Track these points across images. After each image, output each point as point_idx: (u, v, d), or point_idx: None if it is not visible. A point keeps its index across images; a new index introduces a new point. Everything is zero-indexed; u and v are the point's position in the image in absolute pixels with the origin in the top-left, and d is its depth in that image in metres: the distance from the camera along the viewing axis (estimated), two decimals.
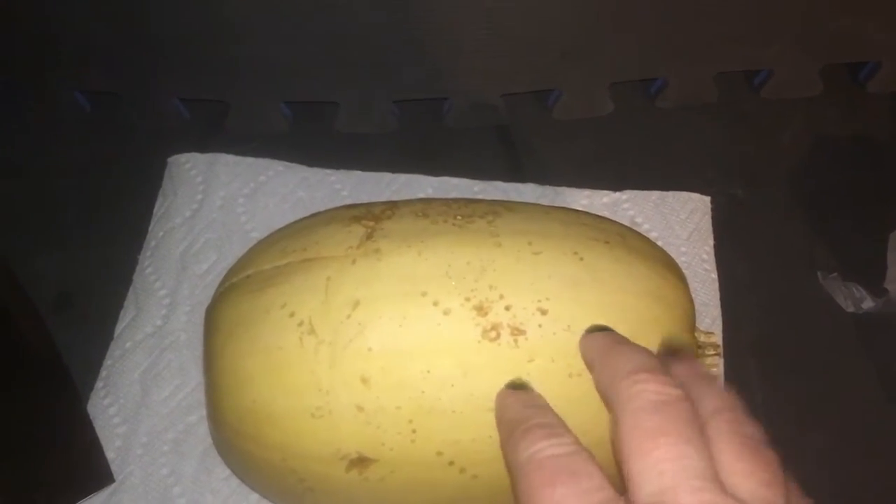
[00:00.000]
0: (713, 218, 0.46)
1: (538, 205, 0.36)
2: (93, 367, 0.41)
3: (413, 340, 0.30)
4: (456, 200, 0.35)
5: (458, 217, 0.33)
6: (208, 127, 0.50)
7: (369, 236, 0.32)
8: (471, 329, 0.30)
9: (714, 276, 0.44)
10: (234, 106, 0.48)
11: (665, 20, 0.45)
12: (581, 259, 0.31)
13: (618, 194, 0.47)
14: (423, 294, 0.30)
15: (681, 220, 0.46)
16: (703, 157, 0.49)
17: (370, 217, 0.33)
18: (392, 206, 0.34)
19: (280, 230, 0.36)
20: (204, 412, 0.39)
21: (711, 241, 0.45)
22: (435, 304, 0.30)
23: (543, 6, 0.43)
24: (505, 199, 0.47)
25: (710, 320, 0.43)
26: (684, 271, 0.36)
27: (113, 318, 0.43)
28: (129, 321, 0.42)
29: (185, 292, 0.43)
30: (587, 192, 0.47)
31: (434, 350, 0.29)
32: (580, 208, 0.46)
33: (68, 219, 0.47)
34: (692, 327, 0.34)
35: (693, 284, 0.43)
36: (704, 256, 0.45)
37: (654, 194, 0.46)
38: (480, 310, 0.30)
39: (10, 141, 0.50)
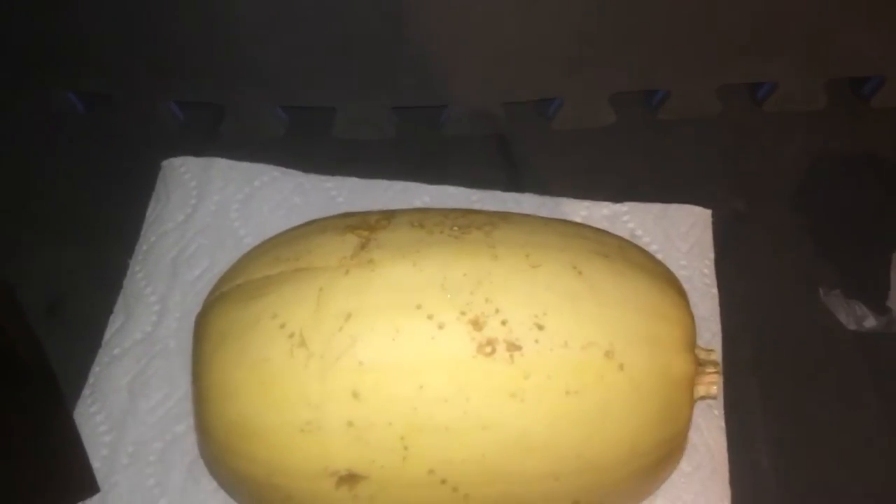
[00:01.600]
0: (714, 232, 0.45)
1: (536, 216, 0.35)
2: (81, 374, 0.41)
3: (406, 355, 0.29)
4: (453, 211, 0.34)
5: (455, 228, 0.32)
6: (203, 130, 0.49)
7: (363, 246, 0.31)
8: (466, 344, 0.29)
9: (714, 290, 0.43)
10: (230, 110, 0.47)
11: (668, 32, 0.45)
12: (580, 273, 0.31)
13: (618, 206, 0.46)
14: (418, 307, 0.29)
15: (681, 234, 0.45)
16: (704, 170, 0.49)
17: (365, 226, 0.32)
18: (388, 216, 0.33)
19: (273, 238, 0.35)
20: (192, 422, 0.38)
21: (712, 255, 0.45)
22: (429, 317, 0.29)
23: (546, 15, 0.43)
24: (503, 209, 0.46)
25: (710, 335, 0.42)
26: (684, 285, 0.35)
27: (103, 324, 0.42)
28: (119, 327, 0.42)
29: (176, 299, 0.42)
30: (587, 203, 0.46)
31: (428, 365, 0.29)
32: (579, 220, 0.46)
33: (59, 221, 0.46)
34: (692, 344, 0.33)
35: (693, 298, 0.43)
36: (705, 271, 0.44)
37: (655, 207, 0.46)
38: (476, 324, 0.29)
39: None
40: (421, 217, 0.33)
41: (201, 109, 0.49)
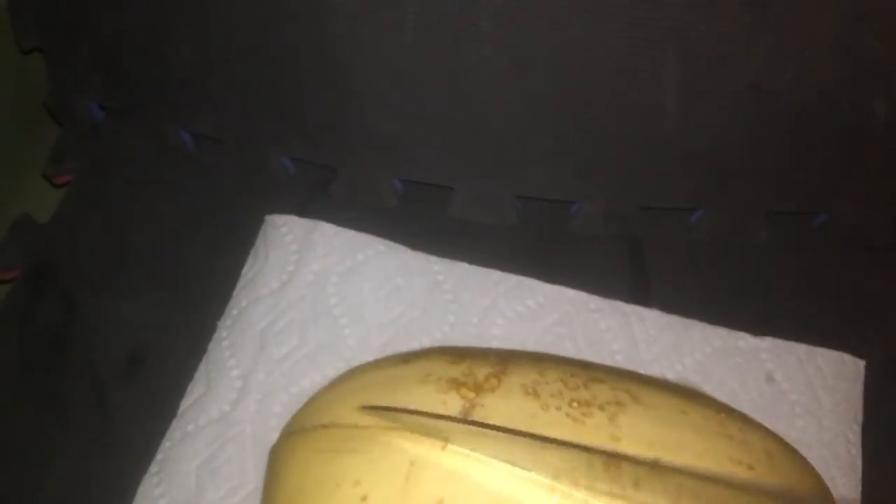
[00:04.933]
0: (865, 388, 0.41)
1: (672, 395, 0.31)
2: (152, 442, 0.40)
3: None
4: (574, 375, 0.31)
5: (575, 404, 0.29)
6: (312, 187, 0.48)
7: (467, 413, 0.29)
8: None
9: (858, 462, 0.40)
10: (344, 172, 0.46)
11: (843, 149, 0.42)
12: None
13: (757, 340, 0.42)
14: None
15: (828, 387, 0.41)
16: (864, 309, 0.44)
17: (472, 384, 0.30)
18: (499, 372, 0.30)
19: (368, 369, 0.33)
20: None
21: (860, 418, 0.41)
22: None
23: (703, 120, 0.40)
24: (624, 324, 0.44)
25: None
26: (823, 452, 0.32)
27: (182, 388, 0.41)
28: (196, 399, 0.40)
29: (260, 377, 0.41)
30: (722, 331, 0.43)
31: None
32: (710, 350, 0.43)
33: (151, 267, 0.46)
34: None
35: (831, 471, 0.39)
36: (850, 436, 0.40)
37: (800, 348, 0.42)
38: None
39: (102, 173, 0.49)
40: (536, 379, 0.30)
41: (313, 165, 0.48)
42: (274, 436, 0.39)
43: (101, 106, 0.49)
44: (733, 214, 0.45)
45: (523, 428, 0.28)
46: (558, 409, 0.29)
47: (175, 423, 0.40)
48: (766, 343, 0.43)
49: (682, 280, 0.46)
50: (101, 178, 0.49)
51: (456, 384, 0.30)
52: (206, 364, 0.42)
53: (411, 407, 0.29)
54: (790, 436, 0.33)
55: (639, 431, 0.28)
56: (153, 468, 0.39)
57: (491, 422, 0.28)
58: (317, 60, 0.41)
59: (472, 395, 0.29)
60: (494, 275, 0.45)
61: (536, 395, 0.29)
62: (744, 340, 0.43)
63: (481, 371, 0.30)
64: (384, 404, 0.29)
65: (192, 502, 0.38)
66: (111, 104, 0.48)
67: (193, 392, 0.41)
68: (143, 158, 0.49)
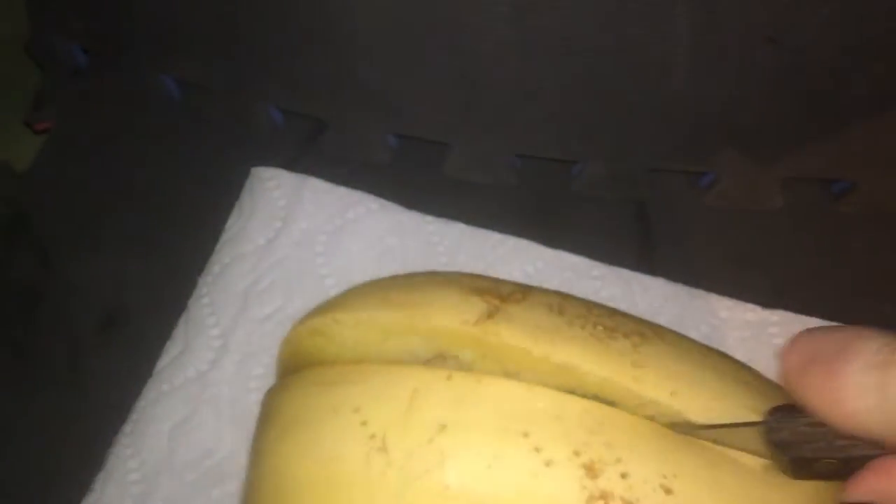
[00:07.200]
0: None
1: (691, 340, 0.31)
2: (128, 402, 0.39)
3: (501, 487, 0.26)
4: (597, 306, 0.31)
5: (600, 327, 0.29)
6: (302, 138, 0.47)
7: (491, 315, 0.28)
8: (574, 491, 0.25)
9: None
10: (334, 126, 0.45)
11: (868, 112, 0.40)
12: None
13: (767, 313, 0.41)
14: (525, 435, 0.26)
15: None
16: (885, 282, 0.43)
17: (495, 293, 0.29)
18: (523, 290, 0.30)
19: (383, 280, 0.33)
20: (229, 487, 0.36)
21: None
22: (537, 449, 0.26)
23: (716, 77, 0.39)
24: (626, 292, 0.43)
25: None
26: None
27: (161, 347, 0.40)
28: (173, 358, 0.39)
29: (240, 337, 0.40)
30: (729, 302, 0.42)
31: None
32: (717, 322, 0.42)
33: (131, 221, 0.45)
34: None
35: None
36: None
37: (814, 323, 0.41)
38: (590, 470, 0.26)
39: (84, 119, 0.48)
40: (561, 302, 0.30)
41: (304, 117, 0.47)
42: (253, 398, 0.38)
43: (84, 49, 0.48)
44: (747, 179, 0.44)
45: (545, 339, 0.27)
46: (583, 327, 0.28)
47: (150, 383, 0.39)
48: (777, 316, 0.41)
49: (689, 247, 0.44)
50: (82, 125, 0.47)
51: (480, 291, 0.29)
52: (186, 322, 0.41)
53: (433, 304, 0.29)
54: None
55: (661, 362, 0.28)
56: (126, 428, 0.38)
57: (514, 325, 0.28)
58: (307, 5, 0.40)
59: (496, 301, 0.29)
60: (492, 236, 0.43)
61: (561, 313, 0.29)
62: (753, 312, 0.41)
63: (505, 287, 0.30)
64: (404, 301, 0.29)
65: (162, 464, 0.37)
66: (94, 47, 0.47)
67: (171, 351, 0.40)
68: (127, 105, 0.48)
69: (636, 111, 0.41)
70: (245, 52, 0.42)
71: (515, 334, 0.28)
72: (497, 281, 0.31)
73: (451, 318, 0.28)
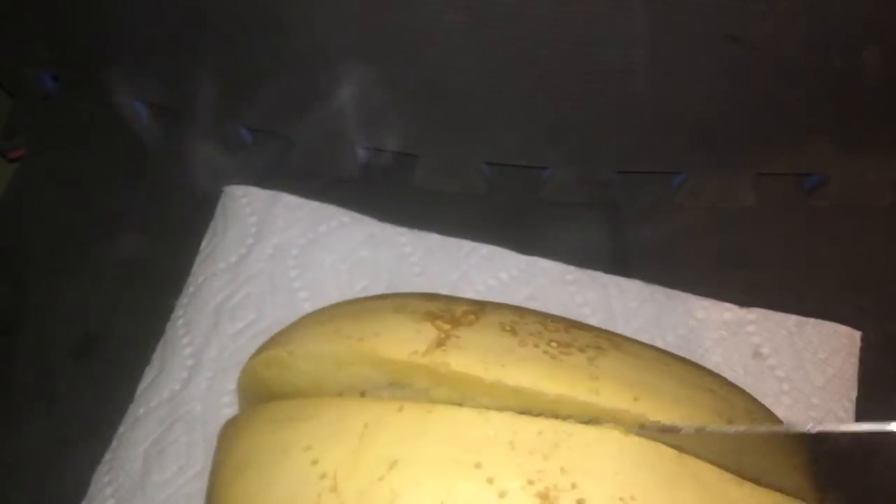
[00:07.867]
0: (861, 362, 0.40)
1: (654, 350, 0.31)
2: (108, 429, 0.40)
3: None
4: (554, 320, 0.31)
5: (554, 343, 0.29)
6: (273, 156, 0.47)
7: (441, 343, 0.28)
8: None
9: None
10: (300, 143, 0.46)
11: (834, 104, 0.40)
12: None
13: (743, 312, 0.41)
14: (477, 466, 0.26)
15: (818, 360, 0.40)
16: (860, 277, 0.43)
17: (447, 318, 0.29)
18: (477, 310, 0.30)
19: (338, 306, 0.33)
20: None
21: (854, 394, 0.39)
22: (490, 481, 0.26)
23: (679, 77, 0.39)
24: (603, 295, 0.43)
25: None
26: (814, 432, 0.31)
27: (140, 373, 0.41)
28: (150, 381, 0.40)
29: (212, 354, 0.40)
30: (706, 302, 0.41)
31: None
32: (694, 322, 0.42)
33: (106, 247, 0.45)
34: None
35: None
36: (841, 413, 0.39)
37: (790, 320, 0.41)
38: (545, 499, 0.26)
39: (56, 146, 0.49)
40: (515, 319, 0.30)
41: (272, 134, 0.47)
42: (226, 413, 0.39)
43: (53, 76, 0.49)
44: (718, 177, 0.43)
45: (496, 363, 0.27)
46: (536, 346, 0.28)
47: (130, 408, 0.40)
48: (754, 314, 0.41)
49: (664, 248, 0.44)
50: (54, 152, 0.48)
51: (431, 316, 0.29)
52: (163, 345, 0.41)
53: (382, 335, 0.29)
54: (776, 413, 0.32)
55: (619, 373, 0.28)
56: (107, 456, 0.39)
57: (464, 354, 0.28)
58: (263, 24, 0.40)
59: (447, 326, 0.29)
60: (465, 245, 0.43)
61: (514, 332, 0.29)
62: (730, 312, 0.41)
63: (459, 308, 0.30)
64: (354, 332, 0.29)
65: (137, 486, 0.38)
66: (63, 75, 0.48)
67: (149, 374, 0.41)
68: (99, 131, 0.48)
69: (601, 114, 0.41)
70: (205, 72, 0.42)
71: (465, 362, 0.27)
72: (451, 300, 0.31)
73: (400, 350, 0.28)
